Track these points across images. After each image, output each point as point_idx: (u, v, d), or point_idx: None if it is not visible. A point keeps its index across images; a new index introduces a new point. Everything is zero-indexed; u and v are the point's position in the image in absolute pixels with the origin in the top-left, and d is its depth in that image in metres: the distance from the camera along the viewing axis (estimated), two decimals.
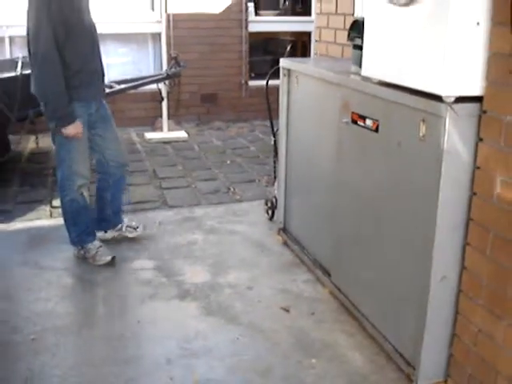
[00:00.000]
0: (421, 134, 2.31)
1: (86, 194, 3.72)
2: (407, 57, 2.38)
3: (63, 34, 3.26)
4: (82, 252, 3.72)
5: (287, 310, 3.16)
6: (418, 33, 2.29)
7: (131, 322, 3.05)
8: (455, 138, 2.17)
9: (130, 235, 4.02)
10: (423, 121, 2.29)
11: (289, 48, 8.56)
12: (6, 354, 2.78)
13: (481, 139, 2.18)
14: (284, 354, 2.79)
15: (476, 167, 2.21)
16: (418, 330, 2.46)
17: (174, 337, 2.92)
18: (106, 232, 4.01)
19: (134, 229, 4.05)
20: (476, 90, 2.16)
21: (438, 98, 2.19)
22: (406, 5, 2.29)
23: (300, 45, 8.70)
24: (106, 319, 3.12)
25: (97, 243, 3.74)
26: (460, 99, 2.16)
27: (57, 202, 4.22)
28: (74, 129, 3.39)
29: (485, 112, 2.14)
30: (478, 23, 2.09)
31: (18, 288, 3.39)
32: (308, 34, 8.06)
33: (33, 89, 3.46)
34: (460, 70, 2.13)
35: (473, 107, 2.17)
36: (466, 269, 2.31)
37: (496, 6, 2.05)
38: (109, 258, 3.68)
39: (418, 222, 2.40)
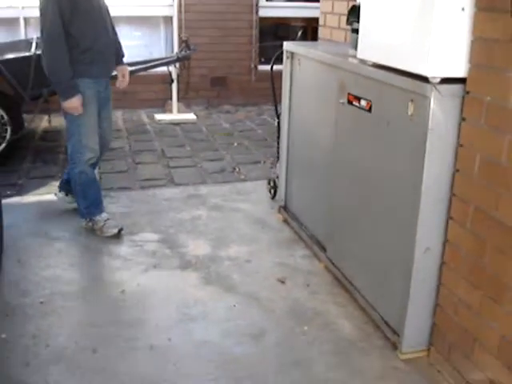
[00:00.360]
0: (409, 113, 2.44)
1: (95, 167, 3.90)
2: (398, 40, 2.51)
3: (69, 13, 3.44)
4: (91, 224, 3.89)
5: (283, 282, 3.31)
6: (408, 17, 2.42)
7: (135, 289, 3.22)
8: (440, 116, 2.30)
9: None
10: (411, 101, 2.42)
11: (300, 34, 8.69)
12: (17, 315, 2.95)
13: (464, 119, 2.30)
14: (277, 320, 2.95)
15: (459, 145, 2.34)
16: (403, 300, 2.60)
17: (174, 303, 3.09)
18: (66, 195, 4.18)
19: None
20: (460, 72, 2.28)
21: (424, 79, 2.32)
22: None
23: (310, 30, 8.76)
24: (110, 286, 3.28)
25: (104, 215, 3.90)
26: (445, 80, 2.29)
27: None
28: (72, 103, 3.54)
29: (468, 93, 2.27)
30: (462, 8, 2.21)
31: (29, 255, 3.56)
32: (318, 20, 8.12)
33: (42, 60, 3.63)
34: (445, 52, 2.26)
35: (457, 88, 2.30)
36: (449, 241, 2.45)
37: None
38: (115, 230, 3.85)
39: (404, 196, 2.54)
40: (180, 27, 7.63)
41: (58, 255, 3.60)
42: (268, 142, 6.16)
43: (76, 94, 3.54)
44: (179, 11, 7.61)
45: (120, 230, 3.87)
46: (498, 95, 2.12)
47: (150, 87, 7.66)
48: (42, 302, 3.06)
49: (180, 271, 3.43)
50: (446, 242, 2.46)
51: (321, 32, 4.79)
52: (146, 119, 7.20)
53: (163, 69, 7.13)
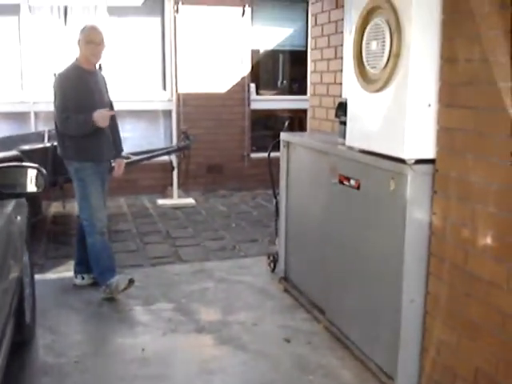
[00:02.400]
0: (391, 189, 2.99)
1: (105, 236, 4.45)
2: (379, 130, 3.11)
3: (78, 106, 4.16)
4: (108, 290, 4.36)
5: (288, 341, 3.74)
6: (386, 112, 3.02)
7: (156, 349, 3.62)
8: (416, 190, 2.86)
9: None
10: (393, 178, 2.97)
11: (287, 124, 9.36)
12: (55, 373, 3.34)
13: (435, 191, 2.86)
14: (285, 372, 3.38)
15: (433, 213, 2.88)
16: (394, 347, 3.05)
17: (193, 360, 3.51)
18: (83, 278, 4.65)
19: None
20: (430, 154, 2.86)
21: (402, 161, 2.89)
22: (377, 91, 3.03)
23: (297, 120, 9.48)
24: (133, 347, 3.67)
25: (116, 277, 4.41)
26: (418, 161, 2.86)
27: None
28: (99, 117, 4.17)
29: (437, 171, 2.84)
30: (429, 104, 2.82)
31: (58, 323, 3.97)
32: (304, 111, 8.79)
33: (58, 151, 4.38)
34: (417, 139, 2.85)
35: (428, 167, 2.87)
36: (429, 293, 2.94)
37: (442, 91, 2.78)
38: (126, 281, 4.36)
39: (390, 258, 3.05)
40: (178, 120, 8.30)
41: (84, 323, 4.03)
42: (263, 223, 6.69)
43: (91, 116, 4.15)
44: (178, 105, 8.31)
45: (131, 281, 4.37)
46: (460, 172, 2.69)
47: (150, 174, 8.23)
48: (76, 362, 3.46)
49: (195, 334, 3.86)
50: (427, 293, 2.95)
51: (310, 123, 5.44)
52: (148, 204, 7.74)
53: (163, 157, 7.74)
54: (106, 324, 4.04)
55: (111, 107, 4.55)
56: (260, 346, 3.67)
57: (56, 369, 3.39)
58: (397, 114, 2.91)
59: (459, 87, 2.67)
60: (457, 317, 2.76)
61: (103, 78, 4.51)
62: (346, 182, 3.48)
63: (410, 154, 2.85)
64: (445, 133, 2.78)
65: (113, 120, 4.49)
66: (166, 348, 3.65)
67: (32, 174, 2.93)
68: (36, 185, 2.87)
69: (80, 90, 4.23)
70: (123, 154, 6.86)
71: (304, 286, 4.32)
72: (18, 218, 3.30)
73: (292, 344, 3.71)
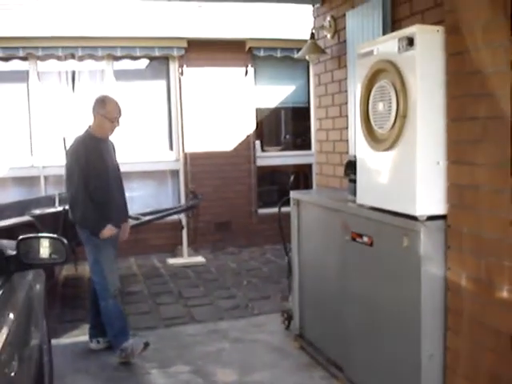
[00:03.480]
0: (404, 245, 3.05)
1: (118, 299, 4.47)
2: (389, 188, 3.18)
3: (92, 176, 4.28)
4: (123, 355, 4.36)
5: None
6: (396, 170, 3.11)
7: None
8: (429, 246, 2.91)
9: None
10: (405, 235, 3.03)
11: (292, 179, 9.49)
12: None
13: (448, 246, 2.91)
14: None
15: (447, 268, 2.92)
16: None
17: None
18: (98, 342, 4.66)
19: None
20: (441, 210, 2.93)
21: (414, 218, 2.95)
22: (385, 150, 3.12)
23: (302, 175, 9.60)
24: None
25: (130, 341, 4.42)
26: (430, 217, 2.92)
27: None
28: (107, 232, 4.32)
29: (449, 226, 2.90)
30: (438, 162, 2.90)
31: None
32: (309, 166, 9.01)
33: (70, 215, 4.44)
34: (428, 196, 2.92)
35: (440, 223, 2.93)
36: (449, 348, 2.95)
37: (449, 149, 2.87)
38: (142, 345, 4.39)
39: (407, 314, 3.08)
40: (186, 179, 8.42)
41: None
42: (274, 279, 6.70)
43: (106, 224, 4.31)
44: (185, 164, 8.45)
45: (146, 344, 4.40)
46: (472, 227, 2.75)
47: (159, 234, 8.29)
48: None
49: None
50: (446, 348, 2.97)
51: (317, 179, 5.54)
52: (158, 264, 7.77)
53: (171, 217, 7.82)
54: None
55: (119, 171, 4.67)
56: None
57: None
58: (407, 172, 2.99)
59: (466, 145, 2.76)
60: (478, 371, 2.77)
61: (112, 144, 4.64)
62: (358, 239, 3.54)
63: (421, 211, 2.92)
64: (455, 189, 2.86)
65: (119, 183, 4.60)
66: None
67: (52, 243, 2.99)
68: (58, 255, 2.92)
69: (94, 160, 4.34)
70: (133, 214, 7.03)
71: (320, 342, 4.32)
72: (37, 286, 3.34)
73: None
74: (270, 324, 5.17)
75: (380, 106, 3.14)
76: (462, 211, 2.82)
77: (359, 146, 3.50)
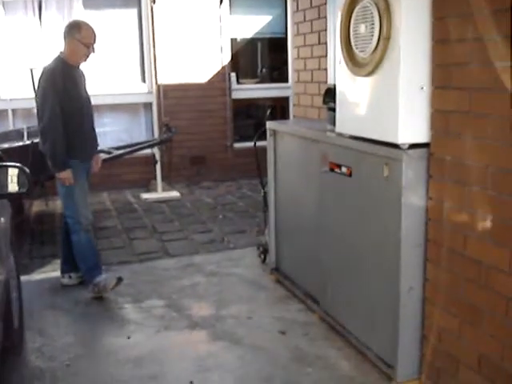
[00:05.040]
0: (385, 175, 2.93)
1: (91, 233, 4.38)
2: (370, 115, 3.03)
3: (66, 104, 4.08)
4: (96, 289, 4.28)
5: (284, 333, 3.68)
6: (377, 96, 2.95)
7: (150, 348, 3.55)
8: (411, 176, 2.79)
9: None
10: (386, 164, 2.91)
11: (269, 112, 9.35)
12: (47, 378, 3.25)
13: (430, 176, 2.79)
14: (283, 365, 3.31)
15: (429, 198, 2.82)
16: (393, 336, 3.00)
17: (189, 357, 3.43)
18: (70, 277, 4.56)
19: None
20: (424, 138, 2.79)
21: (396, 146, 2.82)
22: (367, 75, 2.95)
23: (279, 108, 9.44)
24: (127, 347, 3.59)
25: (103, 275, 4.35)
26: (413, 146, 2.79)
27: None
28: (65, 174, 4.15)
29: (432, 154, 2.77)
30: (422, 87, 2.75)
31: (47, 325, 3.87)
32: (286, 99, 8.80)
33: (40, 146, 4.25)
34: (411, 123, 2.78)
35: (423, 151, 2.80)
36: (428, 280, 2.88)
37: (434, 73, 2.71)
38: (115, 280, 4.29)
39: (386, 245, 2.99)
40: (159, 112, 8.17)
41: (73, 324, 3.94)
42: (250, 213, 6.61)
43: (68, 167, 4.16)
44: (158, 97, 8.19)
45: (119, 279, 4.32)
46: (456, 155, 2.63)
47: (133, 169, 8.11)
48: (68, 365, 3.37)
49: (189, 330, 3.78)
50: (425, 280, 2.90)
51: (295, 110, 5.36)
52: (132, 199, 7.62)
53: (145, 151, 7.63)
54: (97, 324, 3.95)
55: (90, 102, 4.45)
56: (256, 340, 3.61)
57: (48, 373, 3.30)
58: (389, 98, 2.84)
59: (452, 68, 2.60)
60: (458, 303, 2.71)
61: (83, 73, 4.40)
62: (336, 170, 3.41)
63: (403, 139, 2.79)
64: (439, 115, 2.72)
65: (90, 116, 4.40)
66: (160, 346, 3.57)
67: (14, 173, 2.81)
68: (19, 185, 2.75)
69: (69, 86, 4.14)
70: (105, 148, 6.83)
71: (297, 276, 4.26)
72: (2, 219, 3.18)
73: (288, 336, 3.65)
74: (245, 258, 5.11)
75: (362, 27, 2.94)
76: (445, 138, 2.69)
77: (339, 72, 3.32)
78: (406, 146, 2.79)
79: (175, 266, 4.96)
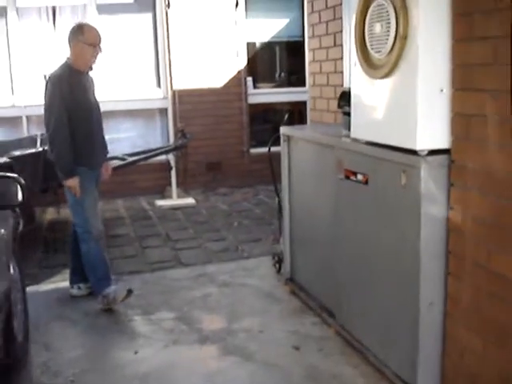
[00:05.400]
0: (402, 183, 2.75)
1: (101, 243, 4.25)
2: (387, 120, 2.86)
3: (73, 111, 3.97)
4: (105, 300, 4.14)
5: (297, 348, 3.51)
6: (394, 99, 2.78)
7: (158, 364, 3.40)
8: (430, 184, 2.62)
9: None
10: (404, 172, 2.74)
11: (286, 117, 9.17)
12: None
13: (452, 184, 2.62)
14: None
15: (450, 207, 2.64)
16: (412, 354, 2.82)
17: (197, 374, 3.28)
18: (79, 288, 4.43)
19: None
20: (444, 144, 2.62)
21: (414, 153, 2.65)
22: (383, 78, 2.78)
23: (297, 113, 9.27)
24: (134, 362, 3.45)
25: (113, 287, 4.21)
26: (432, 152, 2.62)
27: None
28: (72, 182, 4.03)
29: (453, 161, 2.60)
30: (441, 90, 2.57)
31: (53, 338, 3.75)
32: (304, 103, 8.60)
33: (48, 154, 4.17)
34: (430, 128, 2.61)
35: (443, 158, 2.63)
36: (449, 294, 2.70)
37: (455, 74, 2.54)
38: (125, 292, 4.16)
39: (405, 257, 2.81)
40: (175, 117, 8.06)
41: (80, 336, 3.81)
42: (266, 220, 6.45)
43: (75, 174, 4.03)
44: (173, 103, 8.07)
45: (129, 291, 4.17)
46: (478, 162, 2.45)
47: (148, 175, 8.00)
48: (72, 381, 3.24)
49: (199, 345, 3.63)
50: (447, 295, 2.72)
51: (311, 115, 5.22)
52: (146, 206, 7.50)
53: (160, 157, 7.51)
54: (104, 337, 3.81)
55: (99, 109, 4.34)
56: (268, 356, 3.44)
57: None
58: (406, 101, 2.67)
59: (474, 69, 2.43)
60: (481, 320, 2.53)
61: (92, 79, 4.29)
62: (352, 177, 3.25)
63: (422, 145, 2.62)
64: (460, 120, 2.54)
65: (99, 122, 4.29)
66: (168, 362, 3.43)
67: (13, 184, 2.69)
68: (13, 197, 2.63)
69: (77, 93, 4.04)
70: (119, 155, 6.74)
71: (312, 287, 4.09)
72: (1, 230, 3.07)
73: (302, 352, 3.48)
74: (260, 268, 4.94)
75: (377, 27, 2.78)
76: (467, 144, 2.51)
77: (354, 75, 3.15)
78: (425, 153, 2.62)
79: (187, 276, 4.82)
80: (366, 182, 3.11)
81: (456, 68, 2.53)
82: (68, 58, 4.10)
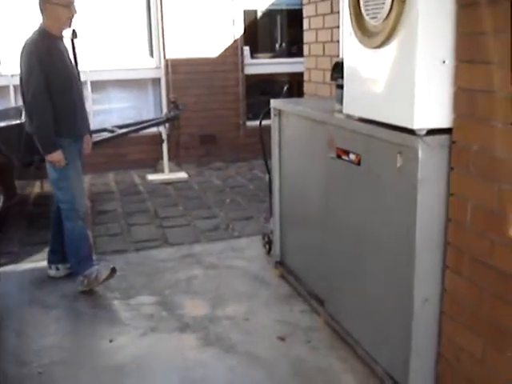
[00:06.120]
0: (398, 165, 2.48)
1: (85, 221, 4.04)
2: (382, 94, 2.57)
3: (49, 78, 3.66)
4: (86, 281, 3.92)
5: (283, 339, 3.27)
6: (390, 72, 2.48)
7: (133, 354, 3.17)
8: (428, 167, 2.34)
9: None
10: (399, 153, 2.45)
11: (285, 89, 8.86)
12: None
13: (452, 168, 2.34)
14: (281, 381, 2.91)
15: (450, 194, 2.37)
16: (405, 352, 2.57)
17: (174, 367, 3.05)
18: (58, 269, 4.20)
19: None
20: (445, 123, 2.33)
21: (411, 132, 2.36)
22: (378, 47, 2.48)
23: (296, 85, 8.95)
24: (109, 352, 3.23)
25: (95, 267, 3.99)
26: (431, 132, 2.34)
27: None
28: (56, 156, 3.74)
29: (454, 142, 2.31)
30: (443, 61, 2.28)
31: (26, 324, 3.52)
32: (303, 74, 8.27)
33: (27, 126, 3.87)
34: (429, 104, 2.31)
35: (443, 138, 2.34)
36: (446, 290, 2.45)
37: (460, 45, 2.24)
38: (108, 271, 3.95)
39: (399, 247, 2.55)
40: (168, 88, 7.76)
41: (55, 323, 3.57)
42: (260, 197, 6.18)
43: (58, 148, 3.74)
44: (166, 73, 7.76)
45: (113, 270, 3.97)
46: (484, 144, 2.17)
47: (140, 148, 7.72)
48: (40, 373, 3.01)
49: (178, 333, 3.39)
50: (443, 291, 2.46)
51: (306, 87, 4.91)
52: (137, 180, 7.23)
53: (153, 129, 7.22)
54: (79, 323, 3.58)
55: (79, 77, 4.06)
56: (251, 347, 3.20)
57: (16, 382, 2.94)
58: (403, 73, 2.37)
59: (482, 38, 2.13)
60: (481, 320, 2.27)
61: (66, 46, 3.98)
62: (344, 157, 2.97)
63: (420, 123, 2.33)
64: (464, 95, 2.25)
65: (80, 92, 4.00)
66: (143, 352, 3.19)
67: None
68: None
69: (55, 59, 3.74)
70: (108, 127, 6.46)
71: (301, 272, 3.84)
72: None
73: (288, 343, 3.24)
74: (250, 248, 4.70)
75: None
76: (471, 123, 2.22)
77: (347, 44, 2.85)
78: (424, 132, 2.33)
79: (173, 257, 4.58)
80: (359, 163, 2.83)
81: (460, 36, 2.23)
82: (42, 24, 3.79)
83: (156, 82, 7.96)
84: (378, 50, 2.51)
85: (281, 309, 3.65)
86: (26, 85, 3.70)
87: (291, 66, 8.48)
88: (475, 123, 2.21)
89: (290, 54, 8.75)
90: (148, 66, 7.86)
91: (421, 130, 2.33)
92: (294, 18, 8.60)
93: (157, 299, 3.83)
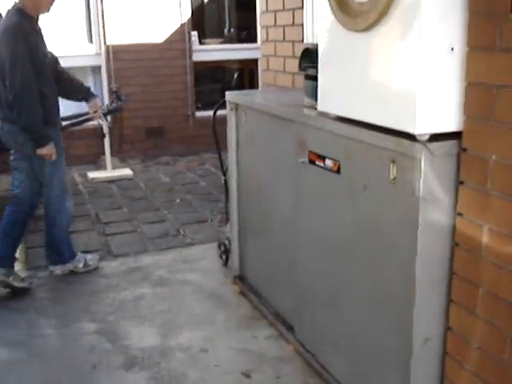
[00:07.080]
0: (391, 177, 2.01)
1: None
2: (370, 89, 2.08)
3: (37, 64, 3.44)
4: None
5: (248, 376, 2.79)
6: (382, 61, 2.00)
7: None
8: (432, 181, 1.88)
9: None
10: (393, 162, 1.99)
11: (236, 76, 8.38)
12: None
13: (461, 182, 1.89)
14: None
15: (457, 214, 1.92)
16: None
17: None
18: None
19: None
20: (453, 126, 1.87)
21: (409, 137, 1.89)
22: (366, 30, 1.99)
23: (247, 72, 8.49)
24: None
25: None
26: (435, 137, 1.87)
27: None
28: (48, 150, 3.53)
29: (465, 150, 1.86)
30: (451, 48, 1.81)
31: None
32: (255, 61, 7.80)
33: (7, 114, 3.54)
34: (434, 103, 1.85)
35: (451, 145, 1.88)
36: (451, 329, 2.01)
37: (473, 28, 1.78)
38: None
39: (394, 276, 2.09)
40: (109, 77, 7.14)
41: None
42: (213, 196, 5.68)
43: (51, 140, 3.55)
44: (107, 60, 7.13)
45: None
46: (504, 153, 1.72)
47: (81, 142, 7.06)
48: None
49: (124, 372, 2.86)
50: (447, 329, 2.02)
51: (263, 76, 4.42)
52: (78, 178, 6.59)
53: (93, 122, 6.59)
54: (9, 360, 3.00)
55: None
56: None
57: None
58: (401, 64, 1.90)
59: (501, 19, 1.67)
60: (495, 368, 1.84)
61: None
62: (319, 162, 2.49)
63: (422, 127, 1.86)
64: (477, 92, 1.79)
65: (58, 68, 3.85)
66: None
67: None
68: None
69: (39, 44, 3.51)
70: None
71: (265, 289, 3.36)
72: None
73: (255, 380, 2.76)
74: (204, 258, 4.19)
75: None
76: (487, 127, 1.77)
77: (323, 26, 2.35)
78: (426, 138, 1.87)
79: (117, 271, 4.02)
80: (338, 171, 2.35)
81: (473, 17, 1.77)
82: (19, 4, 3.42)
83: (96, 70, 7.32)
84: (365, 33, 2.02)
85: (243, 335, 3.16)
86: (12, 73, 3.38)
87: (241, 52, 8.03)
88: (492, 127, 1.76)
89: (239, 40, 8.26)
90: (87, 53, 7.19)
91: (423, 134, 1.86)
92: (243, 1, 8.11)
93: (98, 327, 3.28)
